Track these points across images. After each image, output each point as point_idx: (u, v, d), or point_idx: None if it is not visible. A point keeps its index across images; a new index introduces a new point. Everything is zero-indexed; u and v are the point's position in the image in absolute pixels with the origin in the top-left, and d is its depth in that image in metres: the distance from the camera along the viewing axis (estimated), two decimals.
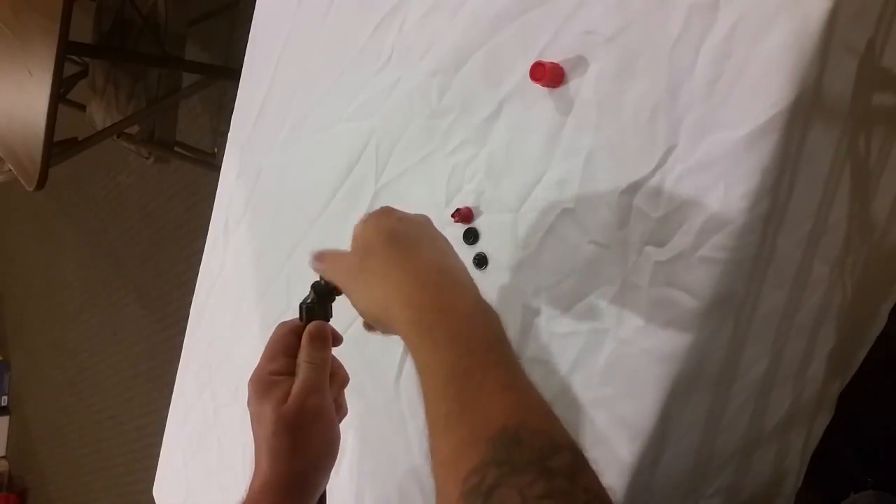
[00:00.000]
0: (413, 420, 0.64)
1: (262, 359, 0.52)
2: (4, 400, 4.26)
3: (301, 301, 0.53)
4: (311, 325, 0.52)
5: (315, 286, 0.53)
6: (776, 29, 0.41)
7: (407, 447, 0.65)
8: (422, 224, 0.48)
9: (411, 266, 0.44)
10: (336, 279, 0.49)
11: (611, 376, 0.50)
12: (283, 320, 0.53)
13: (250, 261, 0.87)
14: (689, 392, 0.48)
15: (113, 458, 3.06)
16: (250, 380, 0.51)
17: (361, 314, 0.47)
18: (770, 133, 0.42)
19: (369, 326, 0.50)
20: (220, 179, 0.95)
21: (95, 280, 3.15)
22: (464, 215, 0.59)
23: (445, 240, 0.48)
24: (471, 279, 0.45)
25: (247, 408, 0.50)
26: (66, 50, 1.32)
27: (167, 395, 1.03)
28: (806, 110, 0.42)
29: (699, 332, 0.46)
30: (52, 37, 1.29)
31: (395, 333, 0.43)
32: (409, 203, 0.65)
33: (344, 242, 0.75)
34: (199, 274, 0.98)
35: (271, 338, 0.52)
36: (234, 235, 0.91)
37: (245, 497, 0.49)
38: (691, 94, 0.45)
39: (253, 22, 0.89)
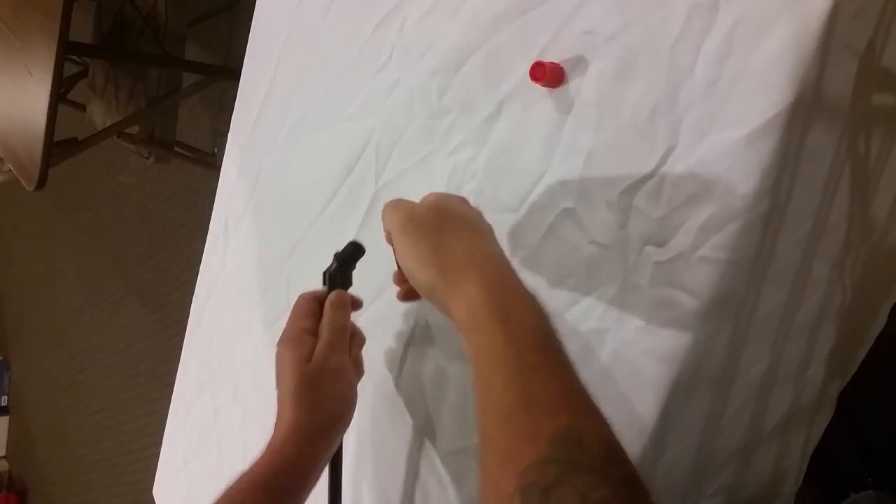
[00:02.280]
0: (413, 420, 0.64)
1: (291, 319, 0.57)
2: (4, 400, 4.26)
3: (324, 269, 0.59)
4: (332, 294, 0.57)
5: (337, 255, 0.58)
6: (776, 29, 0.41)
7: (407, 447, 0.65)
8: (478, 214, 0.51)
9: (491, 250, 0.45)
10: (399, 231, 0.47)
11: (611, 376, 0.50)
12: (293, 302, 0.59)
13: (250, 261, 0.87)
14: (689, 392, 0.48)
15: (113, 458, 3.06)
16: (281, 338, 0.56)
17: (412, 274, 0.46)
18: (770, 133, 0.42)
19: (407, 294, 0.52)
20: (220, 179, 0.95)
21: (95, 280, 3.15)
22: None
23: None
24: None
25: (275, 364, 0.56)
26: (66, 50, 1.32)
27: (167, 395, 1.03)
28: (806, 110, 0.42)
29: (699, 332, 0.46)
30: (52, 37, 1.29)
31: (449, 308, 0.43)
32: None
33: (344, 242, 0.75)
34: (199, 274, 0.98)
35: (298, 303, 0.58)
36: (234, 235, 0.91)
37: (268, 444, 0.53)
38: (691, 94, 0.45)
39: (253, 22, 0.89)
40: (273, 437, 0.53)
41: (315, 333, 0.56)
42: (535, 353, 0.38)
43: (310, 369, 0.53)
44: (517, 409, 0.36)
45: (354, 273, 0.60)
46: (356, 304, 0.60)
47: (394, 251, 0.49)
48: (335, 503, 0.58)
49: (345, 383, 0.55)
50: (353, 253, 0.59)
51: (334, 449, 0.56)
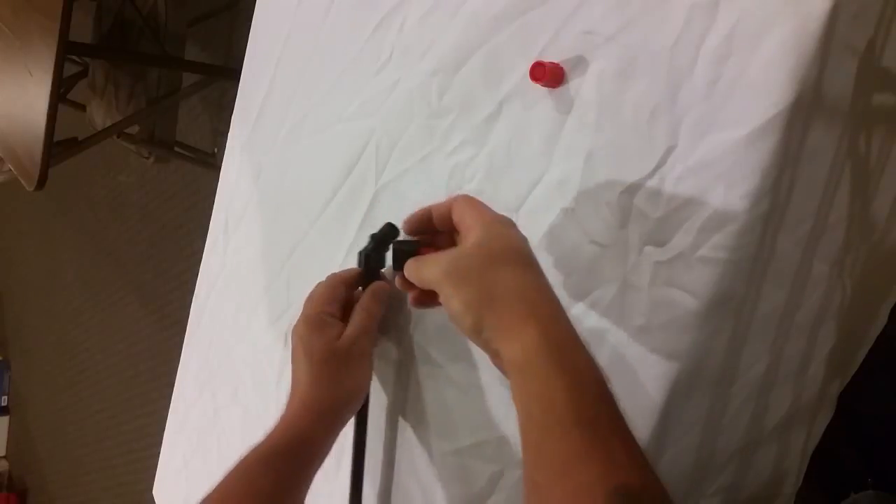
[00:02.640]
0: (413, 420, 0.64)
1: (314, 303, 0.58)
2: (4, 400, 4.26)
3: (360, 249, 0.60)
4: (376, 284, 0.60)
5: (374, 236, 0.60)
6: (776, 29, 0.41)
7: (408, 446, 0.65)
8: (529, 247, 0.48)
9: (543, 286, 0.43)
10: (442, 283, 0.44)
11: (611, 376, 0.50)
12: (322, 280, 0.60)
13: (250, 261, 0.87)
14: (689, 392, 0.48)
15: (113, 458, 3.06)
16: (304, 320, 0.58)
17: (458, 320, 0.43)
18: (770, 133, 0.42)
19: (419, 300, 0.51)
20: (220, 179, 0.95)
21: (95, 280, 3.15)
22: None
23: None
24: None
25: (290, 343, 0.58)
26: (66, 50, 1.32)
27: (167, 395, 1.03)
28: (806, 110, 0.42)
29: (699, 332, 0.46)
30: (52, 36, 1.29)
31: (499, 349, 0.41)
32: (409, 203, 0.66)
33: (344, 242, 0.75)
34: (199, 274, 0.98)
35: (324, 286, 0.60)
36: (234, 235, 0.91)
37: (280, 418, 0.55)
38: (691, 95, 0.45)
39: (253, 22, 0.89)
40: (285, 412, 0.55)
41: (341, 316, 0.58)
42: (594, 406, 0.37)
43: (340, 346, 0.56)
44: (576, 461, 0.35)
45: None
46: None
47: (412, 299, 0.51)
48: (357, 484, 0.63)
49: (365, 367, 0.58)
50: (388, 233, 0.61)
51: (343, 425, 0.58)
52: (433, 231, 0.50)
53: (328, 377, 0.55)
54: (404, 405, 0.66)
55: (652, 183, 0.47)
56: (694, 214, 0.45)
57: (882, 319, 0.61)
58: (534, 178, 0.55)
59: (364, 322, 0.58)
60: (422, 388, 0.63)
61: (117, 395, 3.00)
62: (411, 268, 0.48)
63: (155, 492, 1.05)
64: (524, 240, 0.45)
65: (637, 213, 0.48)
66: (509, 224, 0.46)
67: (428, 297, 0.49)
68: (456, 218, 0.48)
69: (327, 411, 0.55)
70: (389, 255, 0.53)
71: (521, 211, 0.56)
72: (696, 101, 0.45)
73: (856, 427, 0.90)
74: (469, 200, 0.48)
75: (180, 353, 1.01)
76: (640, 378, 0.48)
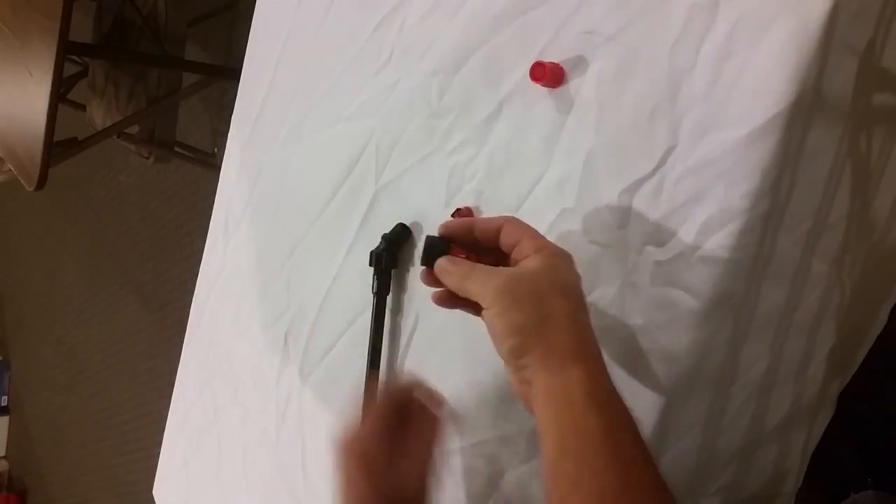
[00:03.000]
0: None
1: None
2: (4, 400, 4.26)
3: (372, 249, 0.58)
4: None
5: (385, 237, 0.59)
6: (776, 29, 0.41)
7: None
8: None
9: (592, 334, 0.43)
10: (494, 298, 0.43)
11: (611, 376, 0.50)
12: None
13: (250, 261, 0.87)
14: (689, 391, 0.48)
15: (113, 458, 3.06)
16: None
17: (501, 343, 0.43)
18: (770, 133, 0.42)
19: (443, 300, 0.49)
20: (220, 179, 0.95)
21: (95, 280, 3.15)
22: (464, 215, 0.59)
23: None
24: None
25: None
26: (66, 50, 1.32)
27: (167, 395, 1.03)
28: (806, 110, 0.42)
29: (699, 332, 0.46)
30: (52, 36, 1.29)
31: (537, 379, 0.41)
32: (409, 203, 0.66)
33: (344, 242, 0.75)
34: (199, 274, 0.98)
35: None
36: (234, 235, 0.91)
37: None
38: (691, 94, 0.45)
39: (253, 22, 0.89)
40: None
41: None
42: (630, 446, 0.39)
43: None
44: (613, 496, 0.37)
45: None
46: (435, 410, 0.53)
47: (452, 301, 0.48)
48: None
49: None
50: (401, 234, 0.61)
51: None
52: (469, 243, 0.49)
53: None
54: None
55: (652, 183, 0.47)
56: (694, 214, 0.45)
57: (882, 319, 0.61)
58: (534, 178, 0.55)
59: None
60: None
61: (117, 395, 3.00)
62: (453, 271, 0.46)
63: (155, 492, 1.05)
64: (579, 277, 0.45)
65: (637, 213, 0.48)
66: (569, 259, 0.45)
67: (456, 300, 0.47)
68: (508, 240, 0.46)
69: None
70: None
71: (521, 211, 0.56)
72: (696, 101, 0.45)
73: (856, 427, 0.90)
74: (524, 225, 0.47)
75: (180, 353, 1.01)
76: (640, 378, 0.48)
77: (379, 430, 0.50)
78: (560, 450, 0.39)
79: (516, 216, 0.48)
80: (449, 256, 0.47)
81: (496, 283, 0.43)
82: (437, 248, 0.47)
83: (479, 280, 0.44)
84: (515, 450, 0.56)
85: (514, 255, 0.46)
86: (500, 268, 0.45)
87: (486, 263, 0.45)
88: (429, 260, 0.47)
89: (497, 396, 0.57)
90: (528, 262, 0.44)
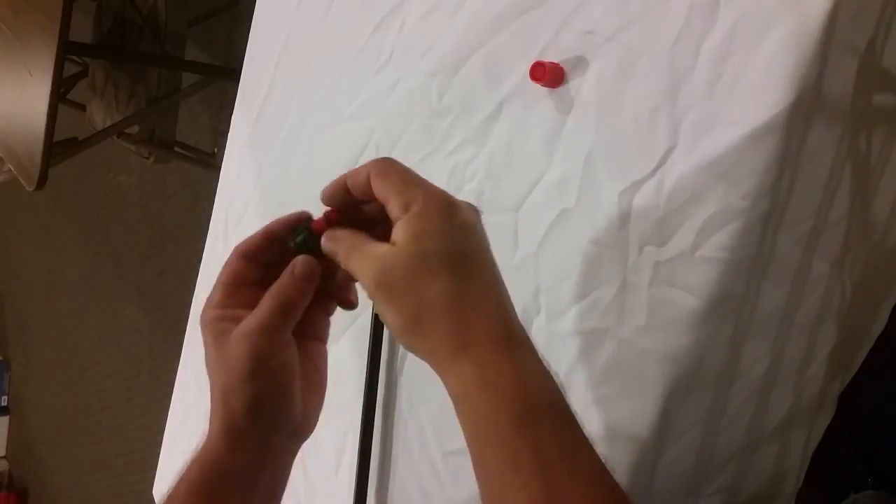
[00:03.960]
0: (412, 419, 0.64)
1: (208, 301, 0.44)
2: (4, 400, 4.26)
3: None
4: (298, 260, 0.41)
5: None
6: (776, 29, 0.41)
7: (406, 446, 0.65)
8: (486, 243, 0.39)
9: (487, 309, 0.36)
10: (372, 289, 0.37)
11: (611, 376, 0.50)
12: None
13: None
14: (689, 392, 0.48)
15: (113, 458, 3.06)
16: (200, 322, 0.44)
17: (393, 334, 0.38)
18: (770, 133, 0.42)
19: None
20: (220, 179, 0.95)
21: (95, 280, 3.15)
22: None
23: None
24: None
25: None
26: (66, 50, 1.32)
27: (167, 395, 1.03)
28: (806, 110, 0.42)
29: (699, 332, 0.46)
30: (52, 36, 1.29)
31: (444, 381, 0.36)
32: None
33: None
34: (199, 274, 0.98)
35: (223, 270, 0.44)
36: (234, 235, 0.91)
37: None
38: (691, 94, 0.45)
39: (253, 22, 0.89)
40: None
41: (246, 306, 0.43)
42: (549, 446, 0.32)
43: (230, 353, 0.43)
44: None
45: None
46: (345, 303, 0.45)
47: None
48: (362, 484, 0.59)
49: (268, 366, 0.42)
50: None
51: (281, 458, 0.45)
52: (356, 203, 0.41)
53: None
54: (402, 405, 0.65)
55: (652, 183, 0.47)
56: (694, 214, 0.45)
57: (882, 319, 0.61)
58: (534, 178, 0.55)
59: (269, 313, 0.40)
60: (421, 387, 0.63)
61: (117, 395, 3.00)
62: (336, 251, 0.39)
63: (155, 492, 1.05)
64: (471, 234, 0.36)
65: (637, 213, 0.48)
66: (449, 212, 0.36)
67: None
68: (379, 193, 0.37)
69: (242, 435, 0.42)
70: None
71: (521, 211, 0.56)
72: (696, 101, 0.45)
73: (856, 427, 0.90)
74: (391, 172, 0.37)
75: (180, 353, 1.01)
76: (640, 378, 0.48)
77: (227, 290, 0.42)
78: (475, 462, 0.34)
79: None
80: (329, 231, 0.40)
81: (371, 272, 0.36)
82: (305, 241, 0.41)
83: (357, 264, 0.37)
84: None
85: (393, 218, 0.37)
86: (376, 245, 0.37)
87: (374, 229, 0.38)
88: (300, 248, 0.41)
89: None
90: (396, 233, 0.36)
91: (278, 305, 0.40)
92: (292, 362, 0.41)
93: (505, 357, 0.34)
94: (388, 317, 0.36)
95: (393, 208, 0.37)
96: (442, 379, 0.36)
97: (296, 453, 0.45)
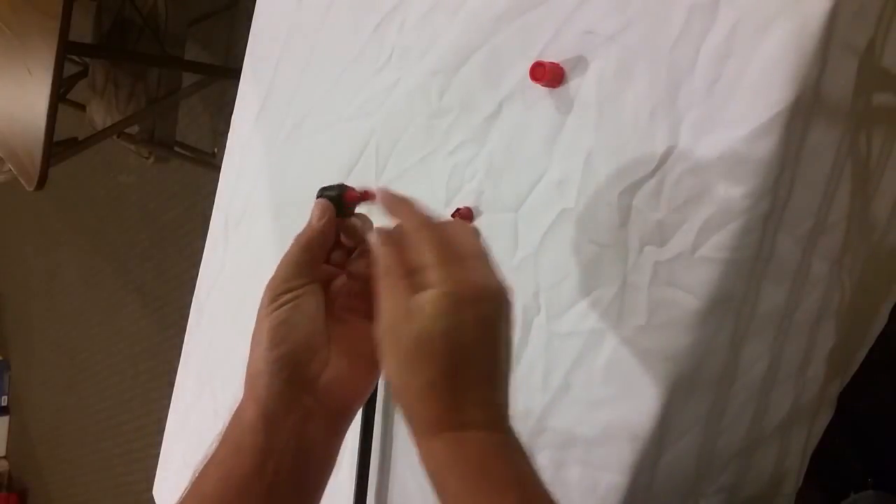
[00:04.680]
0: None
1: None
2: (4, 400, 4.26)
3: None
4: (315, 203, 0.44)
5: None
6: (776, 29, 0.41)
7: (406, 446, 0.65)
8: (497, 338, 0.38)
9: (452, 405, 0.36)
10: (386, 309, 0.38)
11: (611, 376, 0.50)
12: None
13: (250, 261, 0.87)
14: (689, 392, 0.48)
15: (113, 458, 3.06)
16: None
17: (386, 372, 0.39)
18: (770, 133, 0.42)
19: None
20: (220, 179, 0.95)
21: (95, 280, 3.15)
22: (464, 215, 0.59)
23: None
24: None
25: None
26: (66, 50, 1.32)
27: (167, 395, 1.03)
28: (806, 110, 0.42)
29: (699, 332, 0.46)
30: (52, 36, 1.29)
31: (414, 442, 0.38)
32: None
33: None
34: (199, 274, 0.98)
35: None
36: (234, 235, 0.91)
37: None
38: (691, 94, 0.45)
39: (253, 22, 0.89)
40: None
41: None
42: None
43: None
44: None
45: None
46: (367, 195, 0.45)
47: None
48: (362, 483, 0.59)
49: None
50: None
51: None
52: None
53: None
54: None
55: (652, 183, 0.47)
56: (694, 214, 0.45)
57: (882, 319, 0.61)
58: (534, 178, 0.55)
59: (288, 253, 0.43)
60: None
61: (117, 395, 3.00)
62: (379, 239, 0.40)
63: (155, 492, 1.05)
64: (486, 330, 0.37)
65: (637, 213, 0.48)
66: (474, 303, 0.36)
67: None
68: (412, 250, 0.38)
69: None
70: None
71: (521, 211, 0.56)
72: (696, 101, 0.45)
73: (856, 427, 0.90)
74: (433, 238, 0.38)
75: (180, 353, 1.01)
76: (640, 378, 0.48)
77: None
78: None
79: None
80: (393, 204, 0.41)
81: (388, 318, 0.37)
82: (336, 189, 0.43)
83: (384, 291, 0.38)
84: None
85: (422, 271, 0.37)
86: (407, 288, 0.37)
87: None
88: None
89: None
90: (424, 299, 0.36)
91: (294, 243, 0.43)
92: (315, 312, 0.42)
93: (477, 445, 0.36)
94: (385, 357, 0.38)
95: (431, 276, 0.37)
96: (415, 446, 0.37)
97: (336, 434, 0.44)
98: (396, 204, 0.42)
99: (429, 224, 0.40)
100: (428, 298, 0.36)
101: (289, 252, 0.43)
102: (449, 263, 0.37)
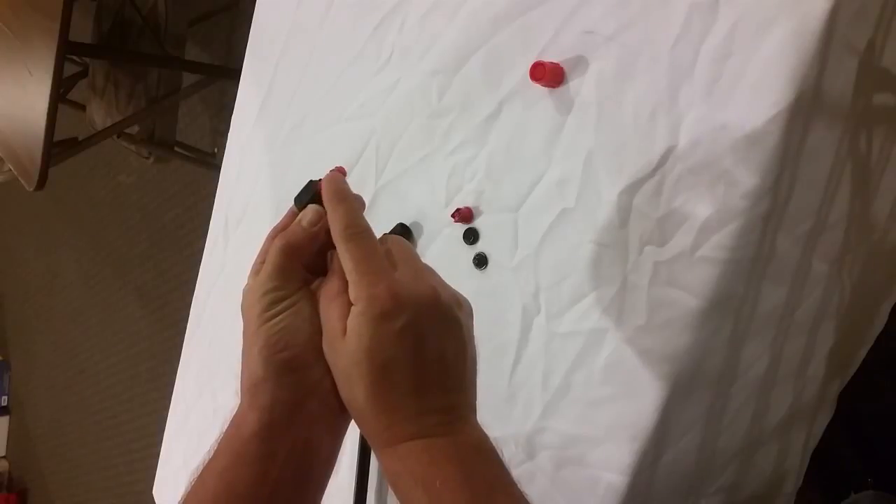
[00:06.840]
0: None
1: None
2: (4, 400, 4.26)
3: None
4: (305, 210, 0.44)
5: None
6: (776, 29, 0.41)
7: None
8: (422, 344, 0.37)
9: (387, 419, 0.37)
10: (325, 333, 0.39)
11: (611, 376, 0.50)
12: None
13: (250, 261, 0.87)
14: (689, 392, 0.48)
15: (113, 458, 3.06)
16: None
17: (344, 393, 0.39)
18: (770, 133, 0.42)
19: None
20: (220, 179, 0.95)
21: (95, 280, 3.15)
22: (464, 215, 0.59)
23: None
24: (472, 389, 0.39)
25: None
26: (66, 50, 1.32)
27: (167, 395, 1.03)
28: (806, 110, 0.42)
29: (699, 332, 0.46)
30: (52, 36, 1.29)
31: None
32: (409, 203, 0.66)
33: None
34: (199, 274, 0.98)
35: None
36: (234, 235, 0.91)
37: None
38: (691, 94, 0.45)
39: (253, 22, 0.89)
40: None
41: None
42: None
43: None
44: None
45: None
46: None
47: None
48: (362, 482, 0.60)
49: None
50: (400, 234, 0.62)
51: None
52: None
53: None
54: None
55: (652, 183, 0.47)
56: (694, 214, 0.45)
57: (882, 319, 0.61)
58: (534, 178, 0.55)
59: (273, 257, 0.44)
60: None
61: (117, 395, 3.00)
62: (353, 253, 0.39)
63: (155, 492, 1.05)
64: (405, 340, 0.36)
65: (637, 213, 0.48)
66: (387, 317, 0.36)
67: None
68: (345, 263, 0.39)
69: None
70: None
71: (521, 211, 0.56)
72: (696, 101, 0.45)
73: (856, 427, 0.90)
74: (353, 254, 0.38)
75: (180, 353, 1.01)
76: (640, 378, 0.48)
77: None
78: None
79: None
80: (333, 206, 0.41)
81: (326, 337, 0.39)
82: (308, 191, 0.43)
83: (321, 311, 0.40)
84: (514, 449, 0.56)
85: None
86: (336, 314, 0.38)
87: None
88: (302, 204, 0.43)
89: (495, 397, 0.57)
90: (349, 323, 0.37)
91: (280, 248, 0.43)
92: (313, 316, 0.42)
93: (415, 456, 0.36)
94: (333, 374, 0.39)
95: (350, 290, 0.38)
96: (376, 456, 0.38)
97: (337, 435, 0.44)
98: (333, 204, 0.42)
99: (350, 236, 0.39)
100: (350, 317, 0.37)
101: (275, 258, 0.43)
102: (362, 279, 0.37)
